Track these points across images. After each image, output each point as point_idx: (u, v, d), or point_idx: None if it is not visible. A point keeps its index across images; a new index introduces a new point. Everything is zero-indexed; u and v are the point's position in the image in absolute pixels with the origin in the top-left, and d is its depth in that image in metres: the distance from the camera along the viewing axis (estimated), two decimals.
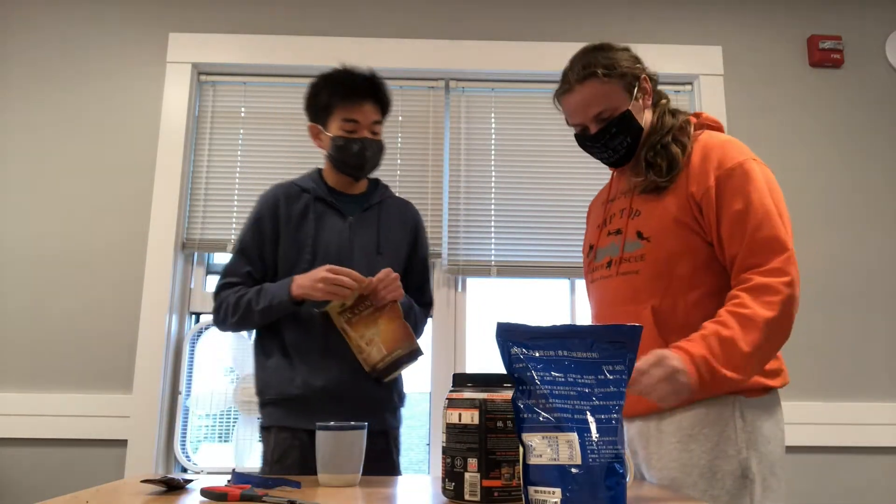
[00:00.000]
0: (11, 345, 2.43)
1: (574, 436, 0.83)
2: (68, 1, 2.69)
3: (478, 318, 2.62)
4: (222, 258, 2.65)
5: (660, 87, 1.48)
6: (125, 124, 2.60)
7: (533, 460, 0.84)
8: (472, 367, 2.57)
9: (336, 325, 1.54)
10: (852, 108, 2.71)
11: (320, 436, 1.19)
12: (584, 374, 0.88)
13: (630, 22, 2.76)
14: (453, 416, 1.01)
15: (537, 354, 0.89)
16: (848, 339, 2.53)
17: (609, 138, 1.39)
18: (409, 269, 1.73)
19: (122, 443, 2.36)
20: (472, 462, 0.98)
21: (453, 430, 1.01)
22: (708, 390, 1.16)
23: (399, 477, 1.34)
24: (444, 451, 1.02)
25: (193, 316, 2.59)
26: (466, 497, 0.97)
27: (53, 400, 2.37)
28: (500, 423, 0.98)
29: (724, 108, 2.68)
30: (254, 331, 1.67)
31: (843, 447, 2.44)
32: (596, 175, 2.65)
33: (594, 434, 0.83)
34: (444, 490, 1.01)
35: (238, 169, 2.62)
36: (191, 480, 1.17)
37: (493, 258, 2.59)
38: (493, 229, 2.61)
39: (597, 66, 1.36)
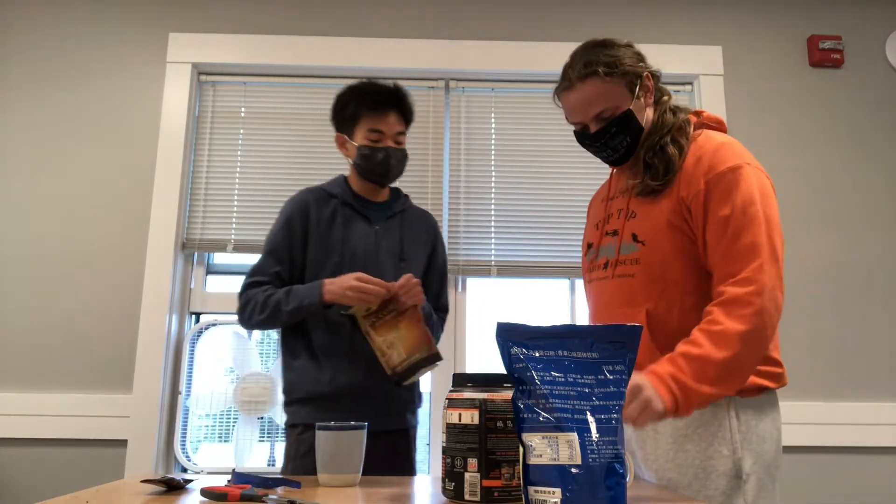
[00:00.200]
0: (11, 345, 2.43)
1: (574, 436, 0.83)
2: (68, 1, 2.69)
3: (478, 318, 2.62)
4: (222, 258, 2.65)
5: (661, 85, 1.47)
6: (125, 124, 2.60)
7: (533, 460, 0.84)
8: (472, 367, 2.57)
9: (361, 329, 1.59)
10: (852, 108, 2.71)
11: (320, 436, 1.19)
12: (584, 374, 0.88)
13: (630, 22, 2.76)
14: (453, 416, 1.01)
15: (537, 354, 0.89)
16: (848, 339, 2.53)
17: (609, 138, 1.38)
18: (428, 277, 1.78)
19: (122, 443, 2.36)
20: (472, 462, 0.97)
21: (453, 430, 1.01)
22: (687, 408, 1.15)
23: (399, 477, 1.34)
24: (444, 451, 1.02)
25: (193, 316, 2.59)
26: (466, 497, 0.97)
27: (53, 400, 2.37)
28: (500, 423, 0.98)
29: (724, 108, 2.68)
30: (278, 332, 1.73)
31: (843, 447, 2.44)
32: (596, 175, 2.65)
33: (594, 434, 0.83)
34: (444, 490, 1.01)
35: (238, 169, 2.62)
36: (191, 480, 1.17)
37: (493, 258, 2.59)
38: (493, 229, 2.61)
39: (598, 64, 1.34)
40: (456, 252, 2.57)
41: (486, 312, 2.64)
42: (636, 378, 1.12)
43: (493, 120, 2.70)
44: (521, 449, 0.86)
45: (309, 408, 1.61)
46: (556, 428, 0.83)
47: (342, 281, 1.55)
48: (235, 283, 2.63)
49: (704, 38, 2.76)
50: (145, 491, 1.08)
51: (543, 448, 0.83)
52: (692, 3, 2.79)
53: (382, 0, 2.74)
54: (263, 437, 2.43)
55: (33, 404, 2.37)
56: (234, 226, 2.57)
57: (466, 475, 0.98)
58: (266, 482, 1.09)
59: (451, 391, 1.04)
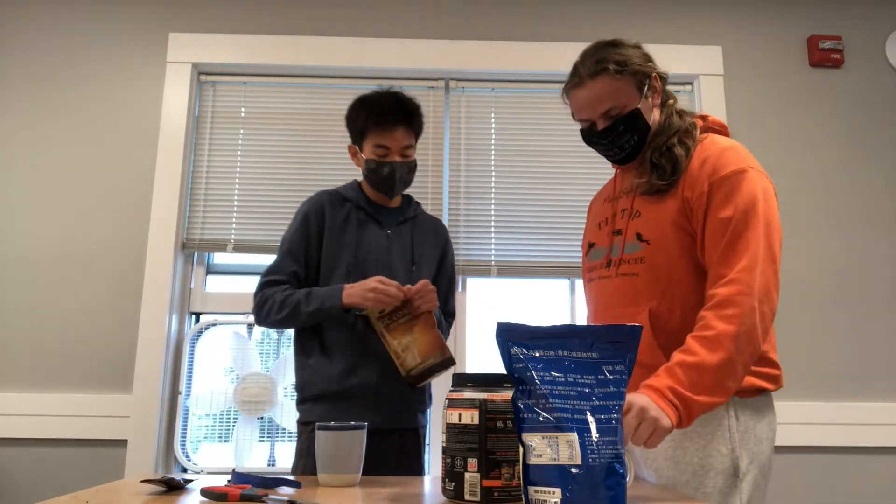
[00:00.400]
0: (11, 345, 2.43)
1: (574, 436, 0.83)
2: (68, 1, 2.69)
3: (478, 318, 2.62)
4: (222, 258, 2.65)
5: (667, 88, 1.49)
6: (125, 124, 2.60)
7: (533, 460, 0.84)
8: (472, 367, 2.57)
9: (375, 329, 1.62)
10: (852, 108, 2.71)
11: (320, 436, 1.19)
12: (584, 374, 0.88)
13: (630, 22, 2.76)
14: (453, 416, 1.01)
15: (537, 354, 0.89)
16: (848, 339, 2.53)
17: (616, 136, 1.38)
18: (437, 282, 1.81)
19: (122, 443, 2.36)
20: (472, 462, 0.97)
21: (453, 430, 1.01)
22: (689, 419, 1.16)
23: (399, 477, 1.34)
24: (444, 451, 1.02)
25: (193, 316, 2.59)
26: (466, 497, 0.97)
27: (53, 400, 2.37)
28: (500, 423, 0.98)
29: (724, 108, 2.68)
30: (292, 331, 1.76)
31: (843, 447, 2.44)
32: (596, 175, 2.65)
33: (594, 434, 0.83)
34: (444, 490, 1.01)
35: (238, 169, 2.62)
36: (191, 480, 1.17)
37: (493, 258, 2.59)
38: (493, 229, 2.61)
39: (609, 62, 1.35)
40: (456, 252, 2.57)
41: (486, 312, 2.64)
42: (637, 398, 1.12)
43: (493, 120, 2.70)
44: (521, 449, 0.86)
45: (321, 406, 1.64)
46: (556, 428, 0.83)
47: (363, 284, 1.59)
48: (235, 283, 2.64)
49: (704, 38, 2.76)
50: (145, 491, 1.08)
51: (543, 448, 0.83)
52: (692, 3, 2.79)
53: (382, 0, 2.74)
54: (263, 437, 2.43)
55: (33, 404, 2.37)
56: (234, 226, 2.57)
57: (466, 475, 0.98)
58: (266, 482, 1.09)
59: (451, 391, 1.04)
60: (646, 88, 1.38)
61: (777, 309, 1.26)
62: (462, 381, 1.04)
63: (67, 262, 2.49)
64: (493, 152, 2.67)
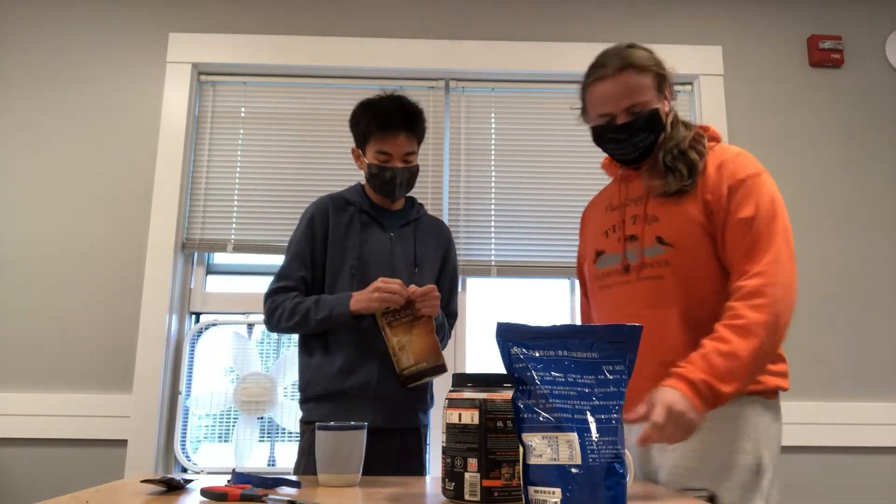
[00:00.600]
0: (11, 345, 2.43)
1: (574, 436, 0.83)
2: (68, 1, 2.69)
3: (478, 318, 2.62)
4: (222, 258, 2.65)
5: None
6: (125, 124, 2.60)
7: (533, 460, 0.84)
8: (472, 367, 2.57)
9: (378, 324, 1.65)
10: (852, 108, 2.71)
11: (320, 436, 1.19)
12: (584, 374, 0.88)
13: (630, 22, 2.76)
14: (453, 416, 1.01)
15: (537, 354, 0.89)
16: (848, 339, 2.53)
17: (634, 132, 1.41)
18: (439, 283, 1.83)
19: (122, 443, 2.36)
20: (472, 462, 0.98)
21: (453, 430, 1.01)
22: (711, 407, 1.20)
23: (399, 477, 1.34)
24: (444, 451, 1.02)
25: (193, 316, 2.59)
26: (466, 497, 0.97)
27: (53, 400, 2.37)
28: (500, 423, 0.98)
29: (724, 108, 2.68)
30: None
31: (843, 447, 2.44)
32: (596, 175, 2.65)
33: (594, 434, 0.83)
34: (444, 490, 1.01)
35: (238, 169, 2.62)
36: (191, 480, 1.17)
37: (493, 258, 2.59)
38: (493, 229, 2.61)
39: (635, 59, 1.40)
40: (456, 252, 2.56)
41: (486, 312, 2.64)
42: (666, 395, 1.15)
43: (493, 120, 2.70)
44: (521, 449, 0.86)
45: (324, 405, 1.66)
46: (556, 428, 0.83)
47: (368, 290, 1.61)
48: (235, 283, 2.64)
49: (704, 38, 2.76)
50: (145, 491, 1.08)
51: (543, 448, 0.83)
52: (692, 3, 2.79)
53: (383, 0, 2.74)
54: (263, 437, 2.43)
55: (33, 404, 2.37)
56: (234, 226, 2.57)
57: (466, 475, 0.98)
58: (266, 482, 1.09)
59: (451, 391, 1.04)
60: (664, 90, 1.43)
61: None
62: (462, 381, 1.04)
63: (67, 262, 2.49)
64: (493, 152, 2.68)
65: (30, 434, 2.35)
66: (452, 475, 0.99)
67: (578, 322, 2.54)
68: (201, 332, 2.50)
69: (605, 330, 0.91)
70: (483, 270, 2.58)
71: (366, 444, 1.23)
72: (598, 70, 1.43)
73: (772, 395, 1.34)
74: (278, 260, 2.55)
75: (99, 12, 2.69)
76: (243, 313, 2.54)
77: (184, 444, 2.41)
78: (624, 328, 0.90)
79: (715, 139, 1.48)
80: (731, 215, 1.32)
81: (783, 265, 1.27)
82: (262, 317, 2.04)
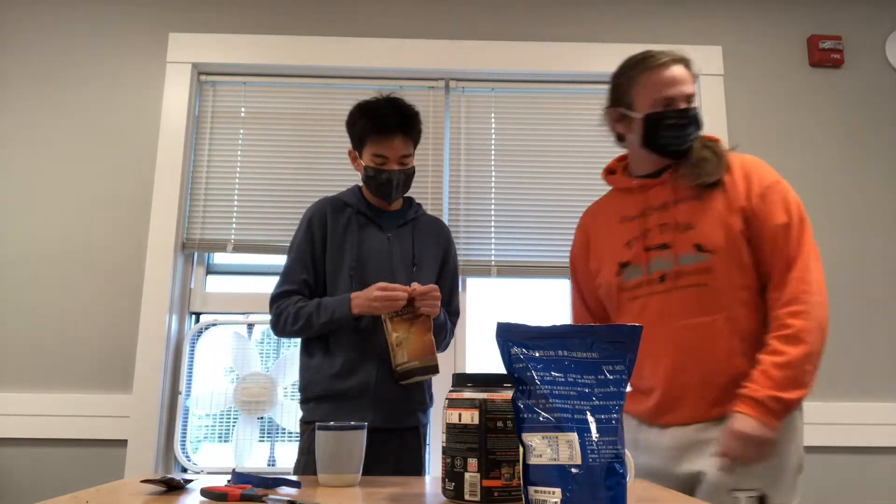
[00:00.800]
0: (11, 345, 2.43)
1: (574, 436, 0.83)
2: (68, 1, 2.69)
3: (478, 318, 2.62)
4: (222, 258, 2.65)
5: (607, 91, 1.62)
6: (125, 124, 2.60)
7: (533, 460, 0.84)
8: (472, 367, 2.57)
9: (381, 317, 1.67)
10: (852, 108, 2.71)
11: (320, 436, 1.19)
12: (584, 374, 0.88)
13: (630, 22, 2.76)
14: (453, 416, 1.01)
15: (537, 354, 0.89)
16: (848, 339, 2.53)
17: (690, 120, 1.44)
18: (439, 282, 1.84)
19: (122, 443, 2.36)
20: (472, 462, 0.98)
21: (453, 430, 1.01)
22: (783, 417, 1.28)
23: (399, 477, 1.34)
24: (444, 451, 1.02)
25: (193, 316, 2.59)
26: (466, 497, 0.97)
27: (53, 400, 2.37)
28: (500, 423, 0.98)
29: (724, 108, 2.68)
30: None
31: (844, 447, 2.44)
32: (595, 175, 2.65)
33: (594, 434, 0.83)
34: (444, 490, 1.01)
35: (238, 169, 2.62)
36: (191, 480, 1.17)
37: (493, 258, 2.59)
38: (493, 229, 2.61)
39: (684, 56, 1.48)
40: (456, 252, 2.56)
41: (486, 312, 2.64)
42: (738, 423, 1.25)
43: (493, 120, 2.70)
44: (521, 449, 0.86)
45: (323, 405, 1.68)
46: (556, 428, 0.83)
47: (367, 293, 1.63)
48: (235, 283, 2.64)
49: (704, 38, 2.76)
50: (145, 491, 1.08)
51: (543, 448, 0.83)
52: (692, 3, 2.79)
53: (383, 0, 2.74)
54: (263, 437, 2.43)
55: (33, 404, 2.37)
56: (234, 226, 2.57)
57: (466, 475, 0.98)
58: (266, 482, 1.09)
59: (451, 391, 1.04)
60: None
61: None
62: (462, 381, 1.04)
63: (67, 262, 2.49)
64: (493, 152, 2.68)
65: (30, 434, 2.35)
66: (452, 475, 0.99)
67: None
68: (201, 332, 2.50)
69: (605, 330, 0.91)
70: (483, 270, 2.58)
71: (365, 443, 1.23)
72: (650, 60, 1.46)
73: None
74: (278, 260, 2.56)
75: (99, 12, 2.69)
76: (243, 313, 2.54)
77: (184, 444, 2.41)
78: (624, 328, 0.90)
79: (715, 141, 1.51)
80: (766, 222, 1.37)
81: (814, 269, 1.34)
82: (262, 317, 2.05)
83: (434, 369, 1.65)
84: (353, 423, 1.21)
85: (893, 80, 2.74)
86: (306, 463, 1.65)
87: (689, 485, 1.39)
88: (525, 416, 0.86)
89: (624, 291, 1.49)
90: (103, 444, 2.36)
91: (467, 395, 1.01)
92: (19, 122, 2.59)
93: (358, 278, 1.71)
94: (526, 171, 2.66)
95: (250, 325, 2.51)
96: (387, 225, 1.80)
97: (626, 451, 0.86)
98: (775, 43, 2.77)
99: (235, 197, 2.60)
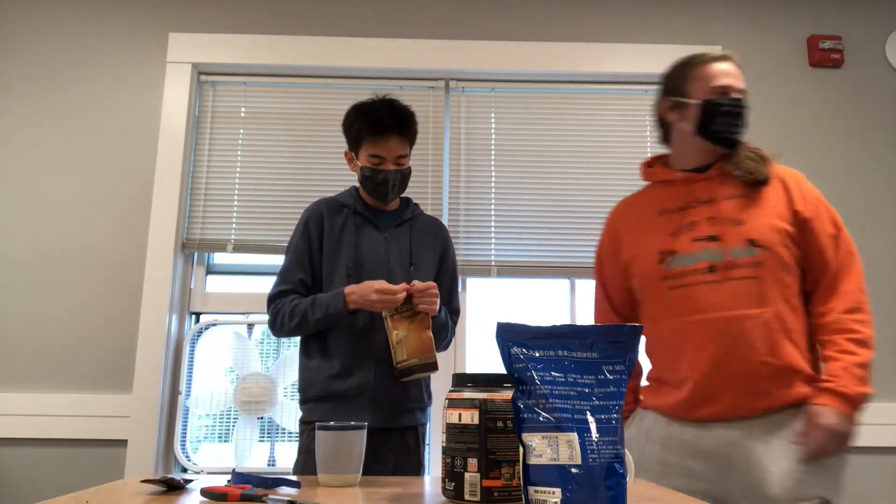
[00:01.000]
0: (11, 345, 2.43)
1: (574, 436, 0.83)
2: (68, 1, 2.69)
3: (478, 318, 2.62)
4: (222, 258, 2.65)
5: (659, 87, 1.64)
6: (125, 124, 2.60)
7: (533, 460, 0.84)
8: (472, 367, 2.57)
9: (382, 314, 1.68)
10: (852, 108, 2.71)
11: (320, 436, 1.19)
12: (584, 374, 0.88)
13: (630, 22, 2.76)
14: (453, 416, 1.01)
15: (537, 354, 0.89)
16: None
17: (744, 109, 1.51)
18: (438, 281, 1.85)
19: (122, 443, 2.36)
20: (472, 462, 0.98)
21: (453, 430, 1.01)
22: (860, 412, 1.36)
23: (399, 477, 1.34)
24: (444, 451, 1.02)
25: (193, 316, 2.59)
26: (466, 497, 0.97)
27: (53, 400, 2.37)
28: (500, 423, 0.98)
29: None
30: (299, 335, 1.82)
31: None
32: (596, 175, 2.65)
33: (594, 434, 0.83)
34: (444, 490, 1.01)
35: (238, 169, 2.62)
36: (191, 480, 1.17)
37: (493, 258, 2.59)
38: (493, 229, 2.61)
39: (736, 57, 1.56)
40: (456, 252, 2.56)
41: (486, 312, 2.64)
42: (824, 416, 1.31)
43: (493, 120, 2.70)
44: (521, 449, 0.86)
45: (322, 406, 1.68)
46: (556, 428, 0.83)
47: (365, 291, 1.63)
48: (235, 283, 2.64)
49: (704, 38, 2.76)
50: (145, 491, 1.08)
51: (543, 448, 0.83)
52: (692, 3, 2.79)
53: (383, 0, 2.74)
54: (263, 437, 2.43)
55: (33, 404, 2.37)
56: (234, 226, 2.57)
57: (466, 475, 0.98)
58: (266, 482, 1.09)
59: (451, 391, 1.04)
60: None
61: None
62: (462, 381, 1.04)
63: (67, 262, 2.49)
64: (493, 152, 2.68)
65: (30, 434, 2.35)
66: (452, 475, 0.99)
67: (578, 322, 2.54)
68: (201, 332, 2.50)
69: (605, 330, 0.91)
70: (483, 270, 2.58)
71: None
72: (704, 56, 1.54)
73: None
74: (278, 260, 2.56)
75: (99, 12, 2.69)
76: (243, 313, 2.54)
77: (184, 444, 2.41)
78: (624, 328, 0.90)
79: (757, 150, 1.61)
80: (816, 230, 1.45)
81: (863, 280, 1.44)
82: (262, 317, 2.06)
83: (433, 366, 1.65)
84: (353, 423, 1.21)
85: (893, 80, 2.74)
86: (305, 462, 1.66)
87: (739, 494, 1.38)
88: (525, 416, 0.86)
89: (666, 279, 1.50)
90: (103, 444, 2.37)
91: (467, 395, 1.01)
92: (19, 121, 2.59)
93: (355, 278, 1.71)
94: (526, 171, 2.66)
95: (250, 325, 2.51)
96: (384, 225, 1.81)
97: (626, 451, 0.86)
98: (775, 43, 2.77)
99: (235, 197, 2.60)
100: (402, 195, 1.88)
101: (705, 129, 1.50)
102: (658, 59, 2.70)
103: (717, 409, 1.40)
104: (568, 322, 2.36)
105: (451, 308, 1.87)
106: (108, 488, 1.09)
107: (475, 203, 2.63)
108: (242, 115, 2.67)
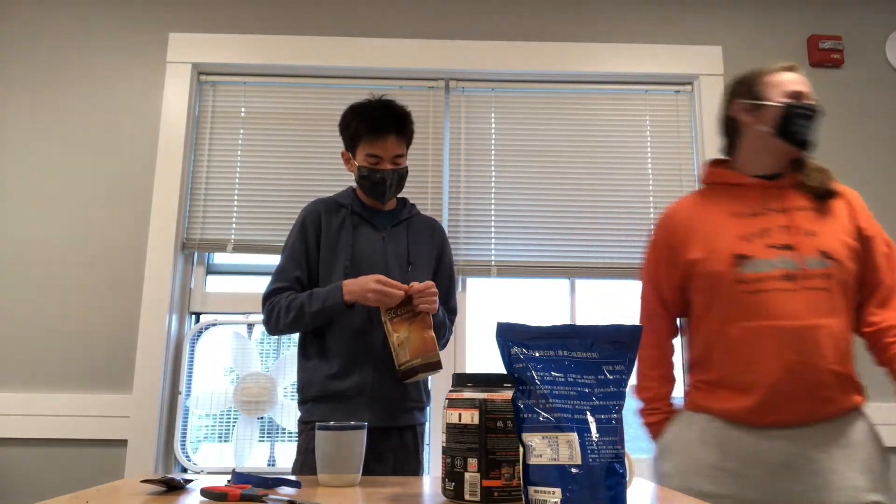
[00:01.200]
0: (11, 345, 2.43)
1: (574, 436, 0.83)
2: (69, 1, 2.69)
3: (478, 318, 2.62)
4: (222, 258, 2.65)
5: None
6: (125, 124, 2.60)
7: (533, 460, 0.84)
8: (472, 367, 2.57)
9: (381, 318, 1.67)
10: (852, 108, 2.71)
11: (320, 436, 1.19)
12: (584, 374, 0.88)
13: (631, 22, 2.76)
14: (453, 416, 1.01)
15: (537, 354, 0.89)
16: None
17: (817, 117, 1.54)
18: (436, 280, 1.86)
19: (122, 443, 2.37)
20: (472, 462, 0.98)
21: (453, 430, 1.01)
22: None
23: (399, 477, 1.34)
24: (444, 451, 1.02)
25: (193, 316, 2.59)
26: (466, 497, 0.97)
27: (53, 400, 2.37)
28: (500, 423, 0.98)
29: None
30: (296, 335, 1.81)
31: None
32: (595, 175, 2.65)
33: (594, 434, 0.83)
34: (444, 490, 1.01)
35: (238, 169, 2.62)
36: (191, 480, 1.17)
37: (493, 258, 2.59)
38: (493, 229, 2.61)
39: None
40: (456, 252, 2.57)
41: (486, 312, 2.64)
42: None
43: (493, 120, 2.70)
44: (521, 449, 0.86)
45: (321, 406, 1.69)
46: (556, 428, 0.83)
47: (363, 283, 1.63)
48: (235, 283, 2.64)
49: (704, 38, 2.76)
50: (145, 491, 1.08)
51: (543, 448, 0.83)
52: (692, 3, 2.79)
53: (383, 0, 2.74)
54: (263, 437, 2.43)
55: (33, 404, 2.37)
56: (234, 226, 2.58)
57: (466, 475, 0.98)
58: (266, 482, 1.09)
59: (451, 391, 1.04)
60: None
61: None
62: (462, 381, 1.04)
63: (67, 262, 2.49)
64: (493, 152, 2.68)
65: (30, 434, 2.35)
66: (452, 475, 0.99)
67: (578, 322, 2.54)
68: (201, 332, 2.50)
69: (605, 330, 0.91)
70: (483, 270, 2.58)
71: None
72: (773, 65, 1.58)
73: None
74: (278, 260, 2.56)
75: (99, 12, 2.69)
76: (243, 313, 2.54)
77: (184, 444, 2.41)
78: (624, 328, 0.90)
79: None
80: (875, 247, 1.51)
81: None
82: (261, 316, 2.05)
83: (437, 365, 1.65)
84: (353, 423, 1.21)
85: (893, 80, 2.74)
86: (304, 463, 1.66)
87: (797, 500, 1.41)
88: (525, 416, 0.86)
89: (742, 283, 1.50)
90: (103, 444, 2.37)
91: (467, 395, 1.01)
92: (19, 121, 2.59)
93: (353, 277, 1.71)
94: (526, 171, 2.66)
95: (250, 325, 2.51)
96: (381, 225, 1.82)
97: (626, 451, 0.87)
98: (775, 43, 2.77)
99: (235, 197, 2.60)
100: (399, 195, 1.88)
101: (784, 131, 1.53)
102: (658, 59, 2.70)
103: (784, 416, 1.43)
104: (568, 322, 2.36)
105: (449, 307, 1.88)
106: (108, 488, 1.09)
107: (475, 203, 2.63)
108: (242, 115, 2.67)
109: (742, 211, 1.55)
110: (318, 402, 1.69)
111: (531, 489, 0.84)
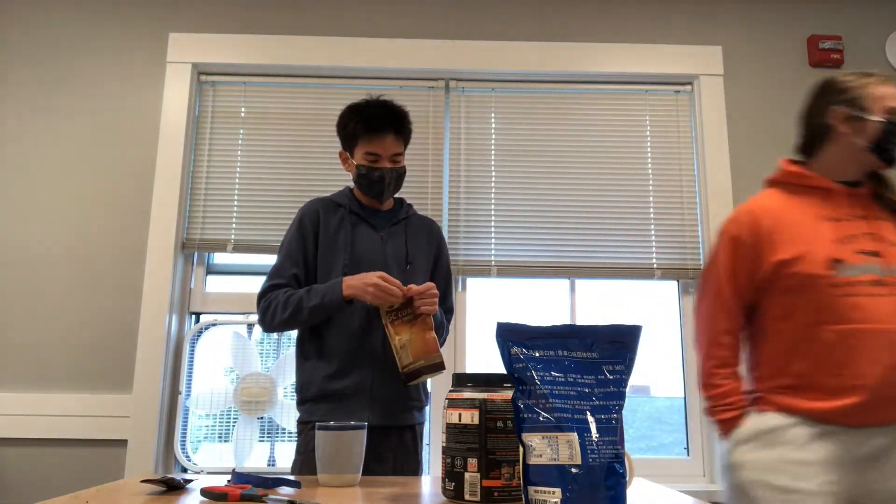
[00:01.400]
0: (11, 345, 2.43)
1: (574, 436, 0.83)
2: (68, 1, 2.69)
3: (478, 318, 2.62)
4: (222, 258, 2.65)
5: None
6: (125, 124, 2.60)
7: (533, 460, 0.84)
8: (472, 367, 2.57)
9: (382, 320, 1.67)
10: None
11: (320, 436, 1.19)
12: (584, 374, 0.88)
13: (631, 22, 2.76)
14: (453, 416, 1.01)
15: (537, 354, 0.89)
16: None
17: None
18: (434, 279, 1.86)
19: (122, 443, 2.37)
20: (472, 462, 0.98)
21: (453, 430, 1.01)
22: None
23: (399, 477, 1.34)
24: (444, 451, 1.02)
25: (193, 316, 2.59)
26: (466, 497, 0.97)
27: (53, 400, 2.37)
28: (500, 423, 0.98)
29: (724, 108, 2.68)
30: (294, 335, 1.82)
31: None
32: (595, 175, 2.65)
33: (594, 434, 0.83)
34: (444, 490, 1.01)
35: (238, 169, 2.62)
36: (191, 480, 1.17)
37: (493, 258, 2.59)
38: (493, 229, 2.61)
39: None
40: (456, 252, 2.57)
41: (486, 312, 2.64)
42: None
43: (493, 120, 2.70)
44: (521, 449, 0.86)
45: (320, 406, 1.68)
46: (556, 428, 0.83)
47: (363, 278, 1.62)
48: (235, 283, 2.64)
49: (704, 38, 2.76)
50: (145, 491, 1.08)
51: (543, 448, 0.83)
52: (692, 3, 2.79)
53: (383, 0, 2.74)
54: (263, 437, 2.43)
55: (33, 404, 2.37)
56: (234, 226, 2.58)
57: (466, 475, 0.98)
58: (266, 482, 1.09)
59: (451, 391, 1.04)
60: None
61: None
62: (462, 381, 1.04)
63: (68, 262, 2.49)
64: (493, 152, 2.68)
65: (30, 434, 2.35)
66: (452, 475, 1.00)
67: (578, 322, 2.54)
68: (201, 332, 2.50)
69: (605, 330, 0.91)
70: (483, 270, 2.58)
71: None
72: (877, 75, 1.59)
73: None
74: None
75: (99, 13, 2.69)
76: (243, 313, 2.54)
77: (184, 444, 2.41)
78: (624, 328, 0.90)
79: None
80: None
81: None
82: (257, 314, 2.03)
83: (440, 366, 1.65)
84: (353, 422, 1.21)
85: (893, 80, 2.74)
86: (303, 462, 1.66)
87: (881, 498, 1.44)
88: (525, 416, 0.86)
89: (835, 287, 1.51)
90: (103, 444, 2.37)
91: (467, 395, 1.01)
92: (20, 121, 2.59)
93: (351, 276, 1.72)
94: (526, 171, 2.66)
95: (250, 325, 2.51)
96: (379, 224, 1.82)
97: (626, 451, 0.87)
98: (775, 43, 2.77)
99: (235, 197, 2.60)
100: (397, 195, 1.89)
101: (880, 149, 1.55)
102: (658, 59, 2.70)
103: (880, 418, 1.45)
104: (568, 322, 2.36)
105: (446, 307, 1.88)
106: (108, 488, 1.09)
107: (475, 203, 2.63)
108: (242, 115, 2.67)
109: (831, 215, 1.57)
110: (317, 401, 1.69)
111: (531, 489, 0.84)
